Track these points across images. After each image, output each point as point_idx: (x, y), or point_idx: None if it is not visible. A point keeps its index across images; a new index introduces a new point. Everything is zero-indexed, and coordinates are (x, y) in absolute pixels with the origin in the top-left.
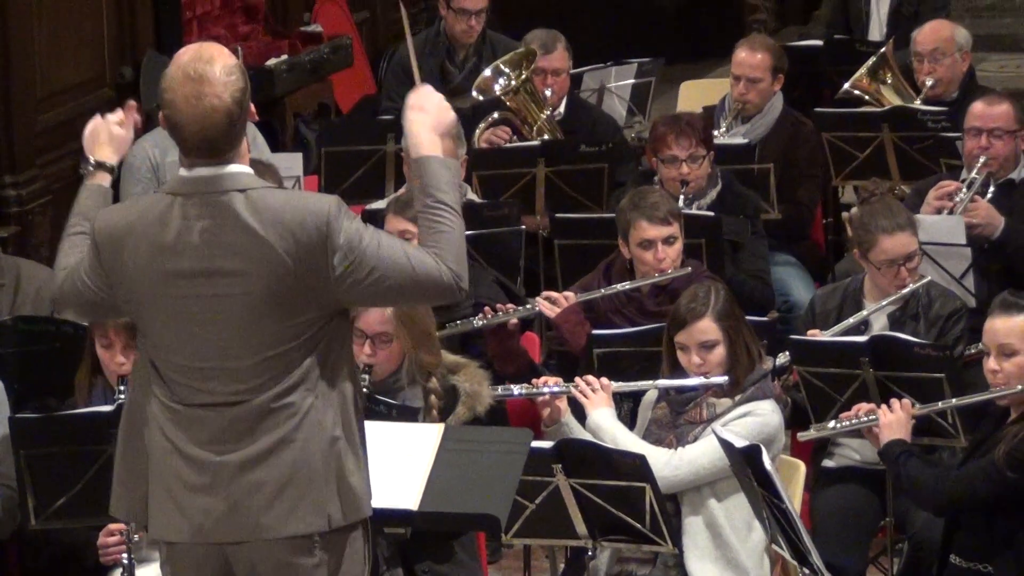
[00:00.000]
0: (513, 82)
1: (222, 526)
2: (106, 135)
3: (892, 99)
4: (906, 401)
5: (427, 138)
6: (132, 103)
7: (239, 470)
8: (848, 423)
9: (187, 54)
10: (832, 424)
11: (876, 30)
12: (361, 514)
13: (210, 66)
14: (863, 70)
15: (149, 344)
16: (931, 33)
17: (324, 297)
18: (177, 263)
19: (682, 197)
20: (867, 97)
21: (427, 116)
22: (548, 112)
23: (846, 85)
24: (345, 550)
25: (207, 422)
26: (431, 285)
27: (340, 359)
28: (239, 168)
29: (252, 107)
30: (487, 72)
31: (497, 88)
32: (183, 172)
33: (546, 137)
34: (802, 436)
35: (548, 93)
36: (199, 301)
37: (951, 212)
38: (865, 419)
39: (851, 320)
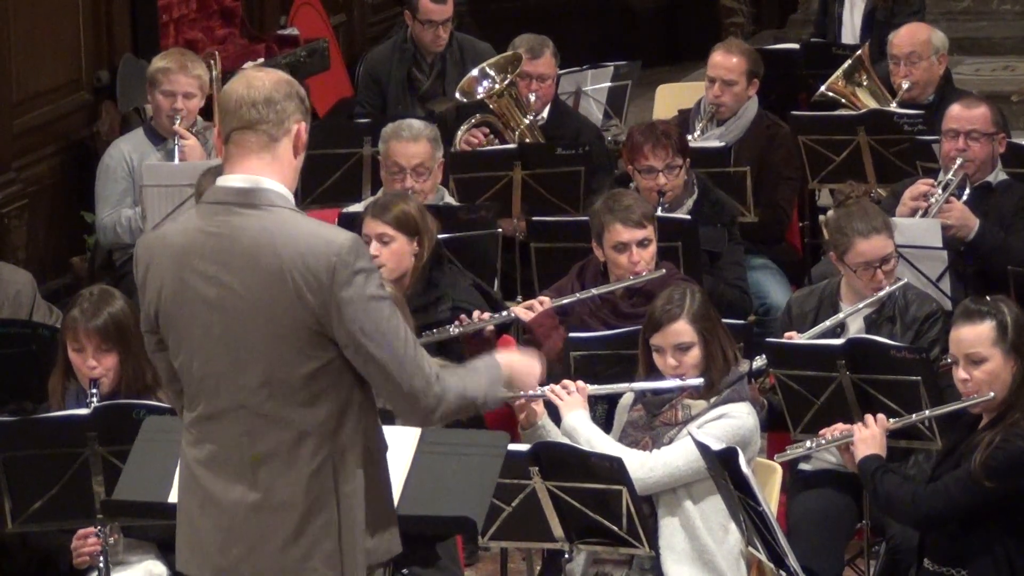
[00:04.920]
0: (497, 85)
1: (240, 568)
2: None
3: (868, 102)
4: (881, 416)
5: (509, 361)
6: None
7: (256, 512)
8: (824, 441)
9: None
10: (808, 443)
11: (849, 34)
12: (372, 561)
13: (269, 69)
14: (839, 73)
15: (174, 357)
16: (907, 36)
17: (327, 329)
18: (194, 270)
19: (659, 208)
20: (843, 100)
21: (520, 372)
22: (531, 117)
23: (822, 88)
24: None
25: (222, 449)
26: (404, 388)
27: (363, 420)
28: (271, 184)
29: (303, 127)
30: (474, 72)
31: (480, 90)
32: (219, 181)
33: (528, 142)
34: (778, 458)
35: (532, 98)
36: (212, 311)
37: (925, 212)
38: (840, 437)
39: (827, 323)
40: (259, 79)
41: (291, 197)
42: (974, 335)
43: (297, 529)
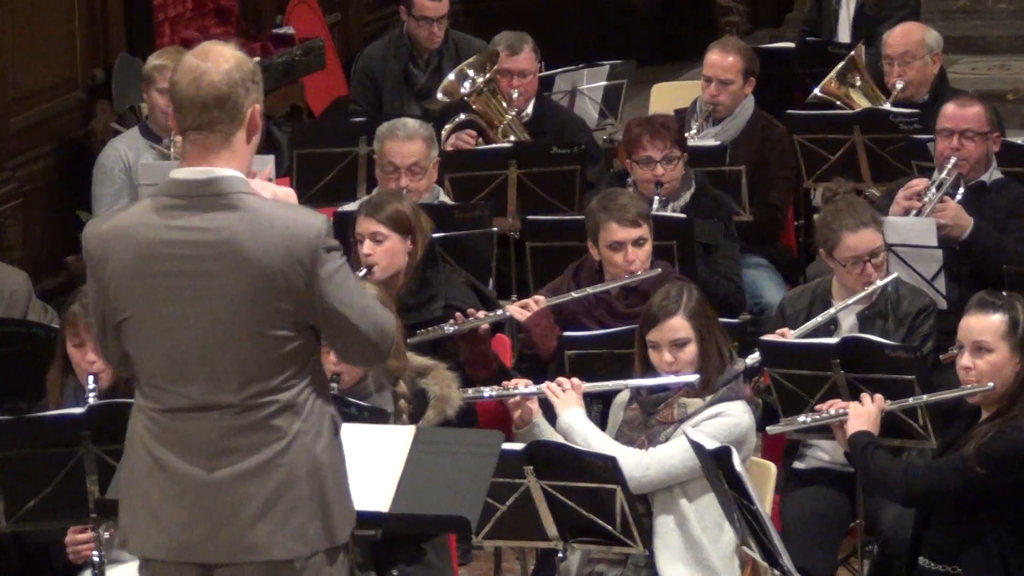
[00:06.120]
0: (477, 83)
1: (205, 545)
2: None
3: (861, 103)
4: (878, 396)
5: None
6: None
7: (223, 488)
8: (819, 417)
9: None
10: (802, 418)
11: (845, 30)
12: (340, 540)
13: (215, 47)
14: (832, 75)
15: (134, 348)
16: (902, 36)
17: (304, 309)
18: (161, 264)
19: (656, 198)
20: (838, 102)
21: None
22: (513, 113)
23: (816, 90)
24: (326, 571)
25: (191, 434)
26: (373, 340)
27: (324, 381)
28: (231, 172)
29: (258, 110)
30: (451, 76)
31: (463, 92)
32: (173, 174)
33: (512, 138)
34: (771, 429)
35: (515, 95)
36: (181, 304)
37: (919, 212)
38: (835, 414)
39: (819, 318)
40: (207, 75)
41: (246, 180)
42: (984, 324)
43: (266, 504)
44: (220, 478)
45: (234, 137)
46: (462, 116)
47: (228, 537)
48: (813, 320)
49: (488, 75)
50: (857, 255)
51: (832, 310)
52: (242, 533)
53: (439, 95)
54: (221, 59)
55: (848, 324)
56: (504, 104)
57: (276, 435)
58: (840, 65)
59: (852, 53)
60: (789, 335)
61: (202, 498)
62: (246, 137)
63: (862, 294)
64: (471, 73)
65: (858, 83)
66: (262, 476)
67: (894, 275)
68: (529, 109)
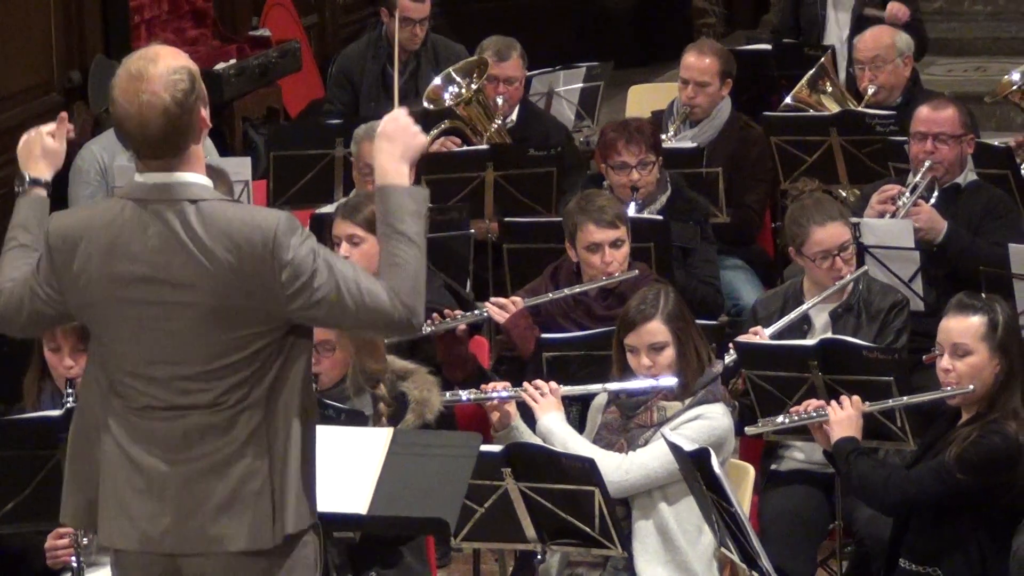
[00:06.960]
0: (464, 92)
1: (169, 536)
2: (39, 149)
3: (833, 109)
4: (856, 398)
5: (393, 167)
6: (64, 114)
7: (187, 481)
8: (797, 418)
9: (135, 53)
10: (781, 419)
11: (834, 35)
12: (304, 524)
13: (153, 64)
14: (803, 82)
15: (102, 350)
16: (871, 40)
17: (273, 311)
18: (128, 267)
19: (632, 203)
20: (810, 111)
21: (395, 145)
22: (499, 122)
23: (787, 99)
24: (295, 558)
25: (157, 431)
26: (381, 317)
27: (296, 376)
28: (193, 178)
29: (204, 113)
30: (437, 81)
31: (447, 96)
32: (137, 177)
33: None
34: (749, 430)
35: (500, 101)
36: (148, 307)
37: (893, 216)
38: (814, 415)
39: (792, 315)
40: (151, 116)
41: (209, 183)
42: (964, 326)
43: (229, 497)
44: (183, 472)
45: (188, 149)
46: (446, 123)
47: (192, 529)
48: (786, 317)
49: (477, 84)
50: (826, 249)
51: (805, 306)
52: (205, 525)
53: (424, 102)
54: (158, 86)
55: (821, 322)
56: (490, 114)
57: (238, 429)
58: (811, 72)
59: (823, 59)
60: (763, 334)
61: (166, 491)
62: (198, 139)
63: (833, 288)
64: (458, 78)
65: (829, 89)
66: (224, 470)
67: (864, 268)
68: (513, 116)
